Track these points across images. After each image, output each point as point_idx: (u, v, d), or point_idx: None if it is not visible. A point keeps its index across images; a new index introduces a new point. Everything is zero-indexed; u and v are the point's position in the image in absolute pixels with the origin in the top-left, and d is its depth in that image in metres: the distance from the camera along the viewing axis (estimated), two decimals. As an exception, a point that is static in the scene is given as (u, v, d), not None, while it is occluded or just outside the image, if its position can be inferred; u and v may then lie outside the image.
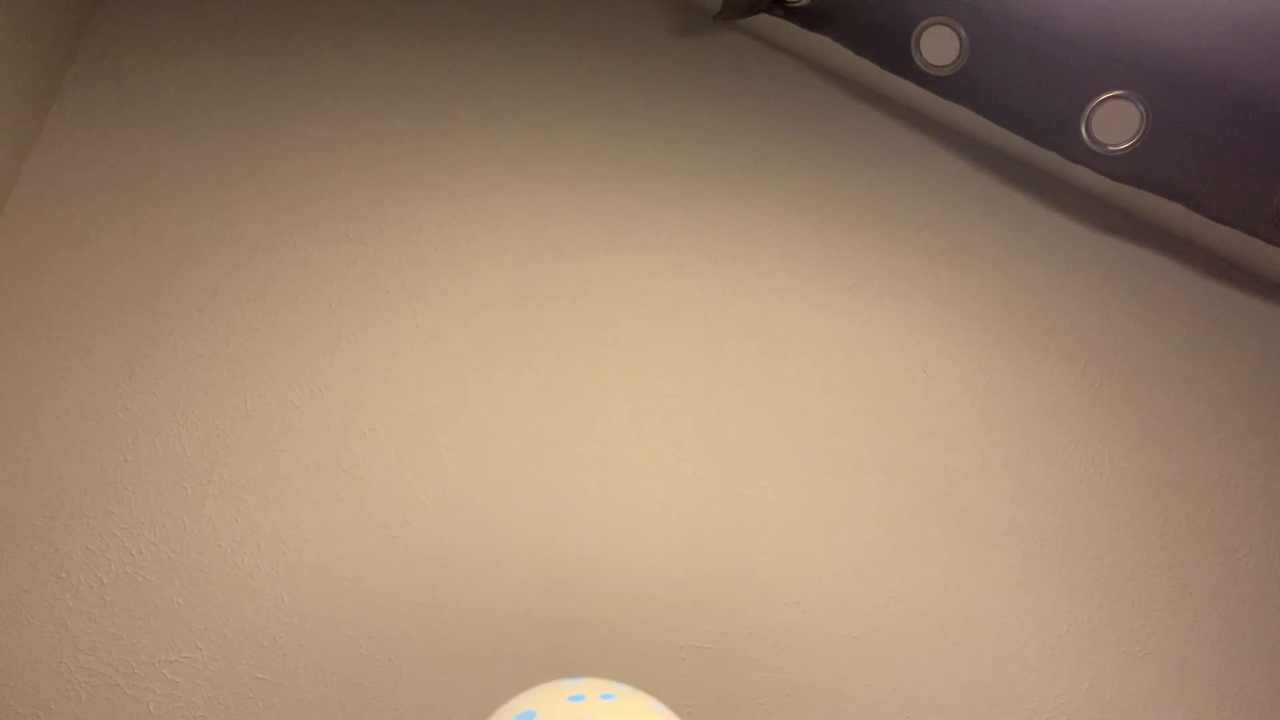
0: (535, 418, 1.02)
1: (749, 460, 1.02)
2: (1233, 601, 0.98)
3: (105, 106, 1.14)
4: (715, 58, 1.23)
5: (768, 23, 1.21)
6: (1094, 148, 1.04)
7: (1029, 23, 1.04)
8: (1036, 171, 1.15)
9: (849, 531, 1.00)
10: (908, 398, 1.06)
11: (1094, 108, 1.03)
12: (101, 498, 0.95)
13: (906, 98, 1.18)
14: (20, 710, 0.86)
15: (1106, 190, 1.12)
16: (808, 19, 1.16)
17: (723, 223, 1.14)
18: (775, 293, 1.10)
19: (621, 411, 1.03)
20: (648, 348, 1.07)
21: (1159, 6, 0.94)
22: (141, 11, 1.20)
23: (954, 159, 1.17)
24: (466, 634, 0.92)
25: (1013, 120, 1.09)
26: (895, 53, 1.11)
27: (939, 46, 1.08)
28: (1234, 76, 0.96)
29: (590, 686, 0.76)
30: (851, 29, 1.14)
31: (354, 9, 1.23)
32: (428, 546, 0.96)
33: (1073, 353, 1.08)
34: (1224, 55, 0.95)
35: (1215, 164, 0.99)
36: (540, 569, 0.96)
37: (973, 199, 1.15)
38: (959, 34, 1.07)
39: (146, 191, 1.10)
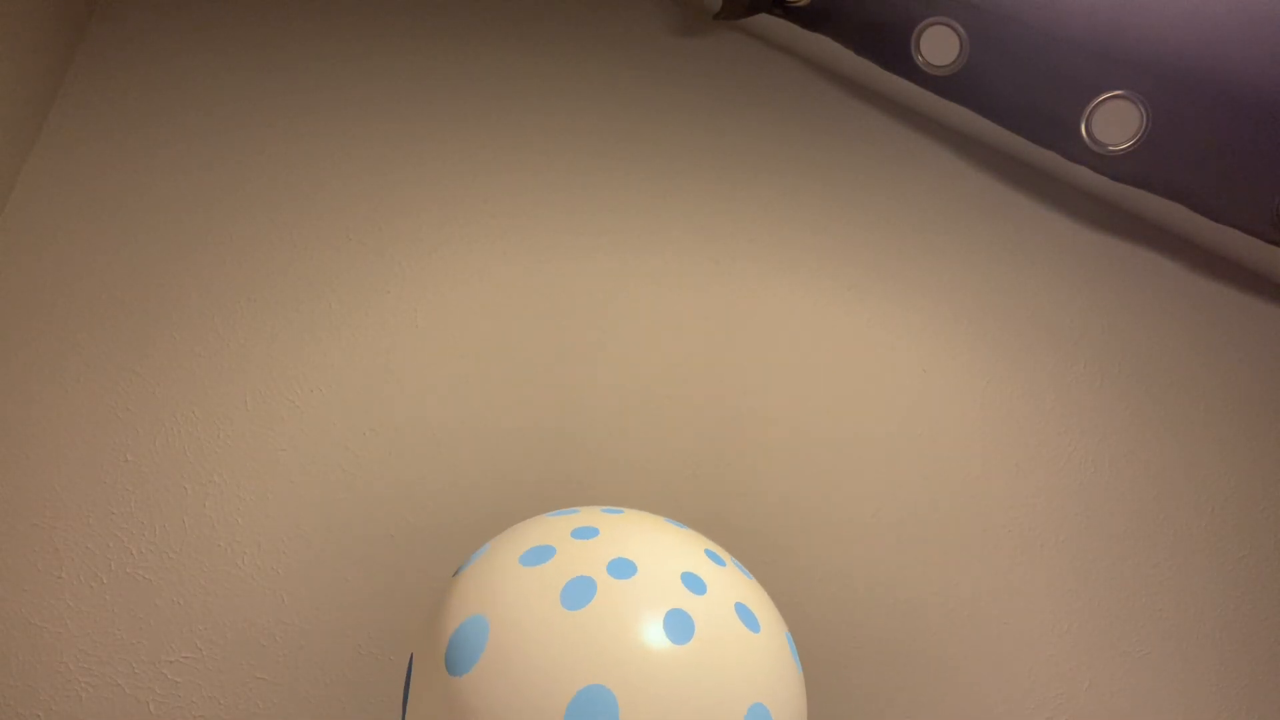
0: (536, 417, 1.02)
1: (750, 460, 1.02)
2: (1233, 602, 0.98)
3: (105, 106, 1.14)
4: (715, 58, 1.23)
5: (768, 23, 1.21)
6: (1094, 148, 1.04)
7: (1029, 23, 1.04)
8: (1036, 171, 1.15)
9: (848, 531, 1.00)
10: (908, 398, 1.06)
11: (1094, 108, 1.03)
12: (101, 498, 0.95)
13: (906, 98, 1.18)
14: (20, 710, 0.86)
15: (1106, 190, 1.12)
16: (808, 19, 1.16)
17: (722, 223, 1.14)
18: (775, 293, 1.10)
19: (623, 411, 1.03)
20: (648, 349, 1.07)
21: (1159, 6, 0.94)
22: (140, 12, 1.20)
23: (954, 159, 1.17)
24: (466, 634, 0.92)
25: (1013, 120, 1.09)
26: (895, 53, 1.11)
27: (939, 46, 1.08)
28: (1234, 76, 0.96)
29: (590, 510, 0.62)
30: (851, 29, 1.14)
31: (353, 9, 1.23)
32: (429, 546, 0.96)
33: (1073, 353, 1.08)
34: (1224, 55, 0.95)
35: (1215, 164, 0.99)
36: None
37: (973, 199, 1.15)
38: (959, 34, 1.06)
39: (146, 191, 1.10)
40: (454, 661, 0.47)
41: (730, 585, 0.54)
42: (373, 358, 1.03)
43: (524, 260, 1.10)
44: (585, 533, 0.54)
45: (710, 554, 0.57)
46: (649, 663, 0.46)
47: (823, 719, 0.93)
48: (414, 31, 1.22)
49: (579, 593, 0.48)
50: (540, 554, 0.51)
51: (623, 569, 0.49)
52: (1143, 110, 1.00)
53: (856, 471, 1.02)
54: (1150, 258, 1.11)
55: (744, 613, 0.52)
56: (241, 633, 0.91)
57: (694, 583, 0.50)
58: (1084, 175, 1.10)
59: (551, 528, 0.56)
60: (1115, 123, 1.02)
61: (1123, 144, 1.03)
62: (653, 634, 0.47)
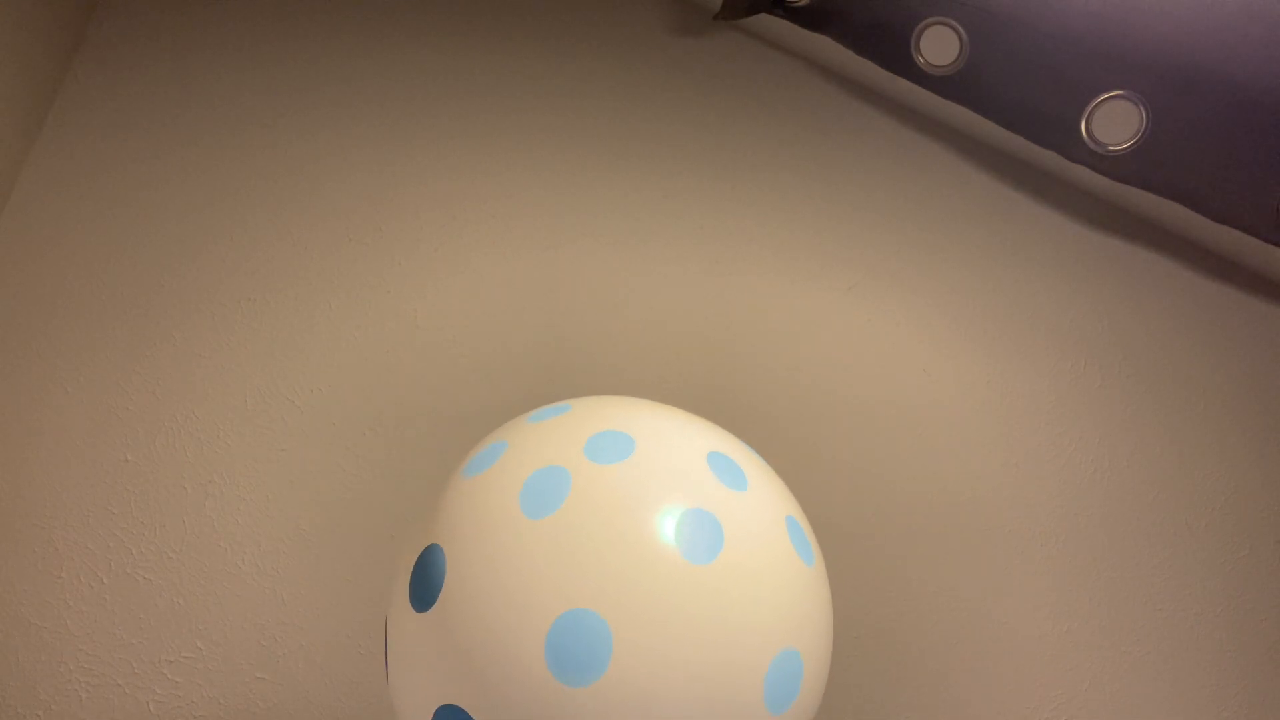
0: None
1: (749, 460, 1.02)
2: (1233, 601, 0.98)
3: (105, 106, 1.14)
4: (715, 58, 1.23)
5: (768, 23, 1.21)
6: (1094, 148, 1.04)
7: (1029, 23, 1.04)
8: (1036, 171, 1.15)
9: (848, 531, 1.00)
10: (908, 398, 1.06)
11: (1094, 108, 1.02)
12: (101, 498, 0.95)
13: (906, 98, 1.18)
14: (20, 710, 0.86)
15: (1106, 190, 1.12)
16: (808, 19, 1.16)
17: (722, 223, 1.14)
18: (775, 293, 1.10)
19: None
20: (647, 350, 1.07)
21: (1159, 6, 0.94)
22: (141, 11, 1.20)
23: (954, 159, 1.17)
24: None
25: (1013, 120, 1.09)
26: (895, 53, 1.11)
27: (939, 46, 1.08)
28: (1234, 76, 0.96)
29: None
30: (851, 29, 1.14)
31: (354, 9, 1.23)
32: (428, 546, 0.96)
33: (1073, 353, 1.08)
34: (1224, 55, 0.95)
35: (1215, 164, 0.99)
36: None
37: (973, 199, 1.15)
38: (959, 34, 1.06)
39: (146, 191, 1.10)
40: (417, 598, 0.40)
41: (781, 491, 0.41)
42: (373, 358, 1.03)
43: (524, 260, 1.10)
44: (549, 412, 0.41)
45: (750, 448, 0.42)
46: (648, 583, 0.34)
47: (820, 719, 0.93)
48: (413, 31, 1.22)
49: (544, 490, 0.35)
50: (487, 456, 0.40)
51: (609, 448, 0.35)
52: (1143, 110, 1.00)
53: (856, 472, 1.02)
54: (1150, 258, 1.11)
55: (797, 533, 0.38)
56: (241, 633, 0.91)
57: (727, 470, 0.36)
58: (1084, 175, 1.10)
59: (508, 425, 0.43)
60: (1115, 123, 1.02)
61: (1123, 144, 1.03)
62: (657, 541, 0.33)
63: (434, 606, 0.38)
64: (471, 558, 0.36)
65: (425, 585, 0.39)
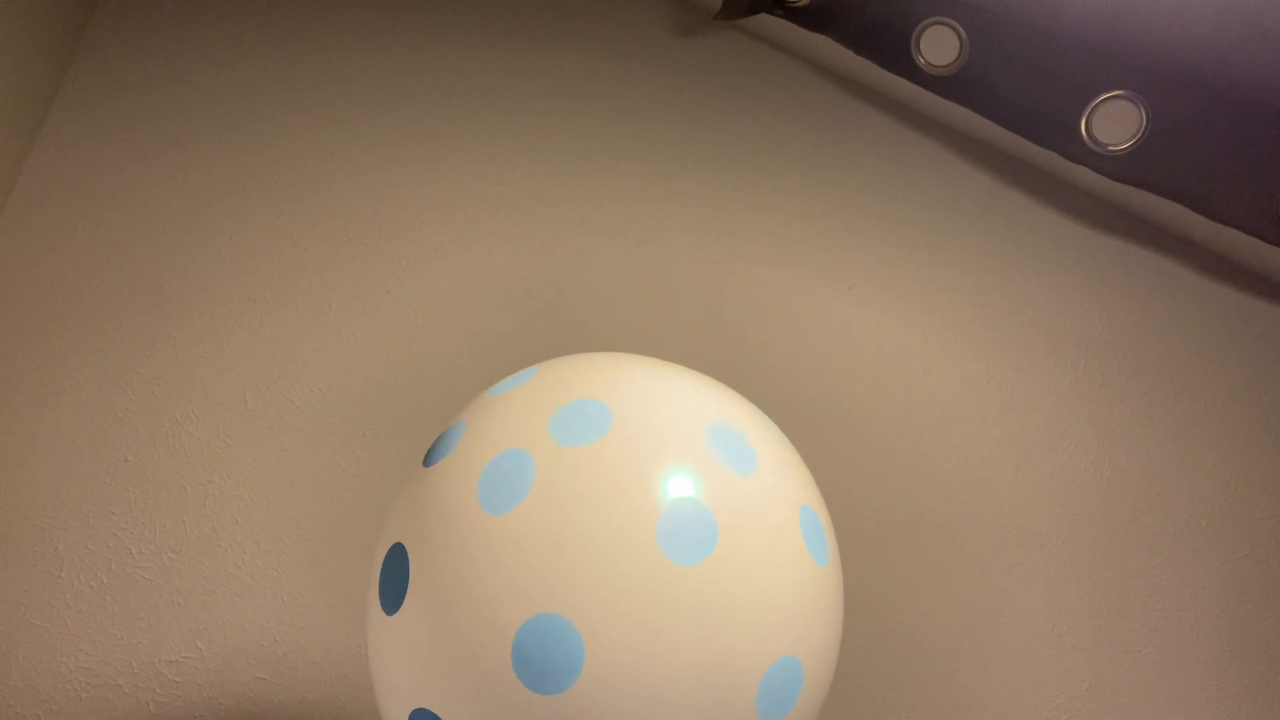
0: (535, 418, 1.02)
1: (749, 460, 1.02)
2: (1233, 601, 0.98)
3: (105, 106, 1.14)
4: (715, 58, 1.23)
5: (768, 23, 1.21)
6: (1094, 148, 1.04)
7: (1029, 23, 1.04)
8: (1036, 171, 1.15)
9: (847, 531, 1.00)
10: (908, 398, 1.06)
11: (1094, 108, 1.03)
12: (101, 498, 0.95)
13: (906, 98, 1.18)
14: (20, 710, 0.86)
15: (1106, 190, 1.12)
16: (808, 19, 1.16)
17: (722, 223, 1.14)
18: (774, 293, 1.10)
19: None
20: (647, 349, 1.07)
21: (1159, 6, 0.94)
22: (140, 11, 1.20)
23: (954, 159, 1.17)
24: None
25: (1013, 120, 1.09)
26: (895, 53, 1.11)
27: (939, 46, 1.08)
28: (1234, 76, 0.96)
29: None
30: (851, 29, 1.14)
31: (354, 9, 1.23)
32: (428, 546, 0.96)
33: (1073, 353, 1.08)
34: (1224, 55, 0.95)
35: (1215, 164, 0.99)
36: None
37: (973, 199, 1.15)
38: (959, 34, 1.06)
39: (146, 191, 1.10)
40: (385, 600, 0.37)
41: (800, 476, 0.35)
42: (373, 358, 1.03)
43: (524, 260, 1.10)
44: (512, 382, 0.34)
45: (769, 420, 0.35)
46: (622, 586, 0.29)
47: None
48: (414, 31, 1.22)
49: (504, 481, 0.31)
50: (446, 441, 0.35)
51: (580, 424, 0.30)
52: (1143, 110, 1.00)
53: (856, 473, 1.02)
54: (1150, 258, 1.11)
55: (812, 527, 0.34)
56: (241, 633, 0.91)
57: (733, 448, 0.31)
58: (1084, 175, 1.10)
59: (472, 402, 0.37)
60: (1115, 123, 1.02)
61: (1123, 144, 1.03)
62: (633, 539, 0.28)
63: (400, 609, 0.36)
64: (433, 559, 0.33)
65: (392, 587, 0.36)
